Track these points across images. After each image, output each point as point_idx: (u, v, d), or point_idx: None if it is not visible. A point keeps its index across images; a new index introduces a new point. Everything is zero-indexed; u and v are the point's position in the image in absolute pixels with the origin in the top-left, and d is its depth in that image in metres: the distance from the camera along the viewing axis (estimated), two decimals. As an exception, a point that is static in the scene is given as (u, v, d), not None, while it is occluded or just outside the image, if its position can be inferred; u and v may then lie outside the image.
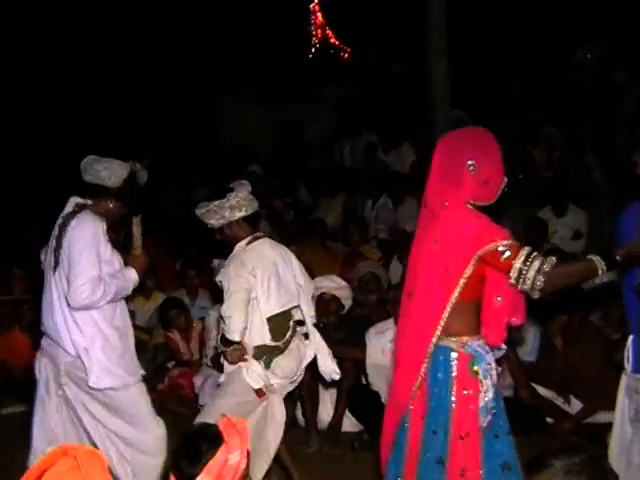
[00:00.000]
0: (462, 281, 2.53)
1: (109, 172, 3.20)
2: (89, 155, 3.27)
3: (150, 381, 5.33)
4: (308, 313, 3.68)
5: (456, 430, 2.59)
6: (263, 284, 3.41)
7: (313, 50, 12.62)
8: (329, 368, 3.75)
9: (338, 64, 12.42)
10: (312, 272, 5.59)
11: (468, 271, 2.52)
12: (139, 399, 3.24)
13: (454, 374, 2.60)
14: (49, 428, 3.22)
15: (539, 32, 9.29)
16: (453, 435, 2.59)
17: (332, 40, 12.57)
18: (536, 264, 2.44)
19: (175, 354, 5.50)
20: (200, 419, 3.40)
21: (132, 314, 5.94)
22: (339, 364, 4.60)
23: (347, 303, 4.82)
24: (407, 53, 9.56)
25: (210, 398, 3.69)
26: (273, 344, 3.49)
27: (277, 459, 3.78)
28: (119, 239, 3.32)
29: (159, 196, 8.52)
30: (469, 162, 2.57)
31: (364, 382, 4.67)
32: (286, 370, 3.54)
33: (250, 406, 3.50)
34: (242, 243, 3.48)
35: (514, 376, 4.44)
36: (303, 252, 6.11)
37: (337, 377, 3.81)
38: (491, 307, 2.64)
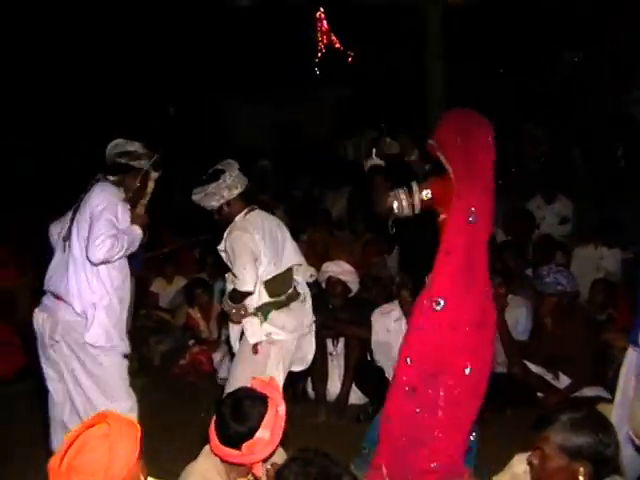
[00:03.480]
0: None
1: (139, 153, 3.25)
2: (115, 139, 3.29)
3: (174, 358, 5.42)
4: (302, 278, 3.68)
5: None
6: (263, 247, 3.40)
7: (319, 55, 12.57)
8: None
9: (341, 67, 12.37)
10: (321, 258, 5.63)
11: None
12: (120, 370, 3.21)
13: None
14: (49, 376, 3.22)
15: (523, 35, 9.24)
16: None
17: (337, 45, 12.52)
18: None
19: (195, 331, 5.49)
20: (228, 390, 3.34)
21: (156, 296, 6.02)
22: (346, 342, 4.69)
23: (353, 287, 4.77)
24: (405, 56, 9.51)
25: (225, 371, 3.63)
26: (272, 300, 3.45)
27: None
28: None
29: (175, 189, 8.47)
30: None
31: (369, 359, 4.66)
32: (285, 321, 3.45)
33: (262, 374, 3.40)
34: (241, 214, 3.47)
35: (507, 354, 4.43)
36: (312, 240, 6.13)
37: None
38: None
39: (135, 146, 3.27)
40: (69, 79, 10.78)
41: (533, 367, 4.39)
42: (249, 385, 2.41)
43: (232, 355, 3.78)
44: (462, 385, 2.90)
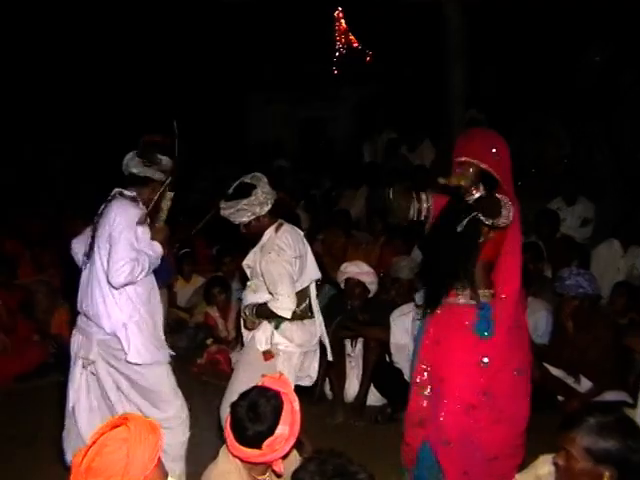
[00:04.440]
0: None
1: (157, 166, 3.20)
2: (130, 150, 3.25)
3: (191, 356, 5.43)
4: (314, 293, 3.67)
5: None
6: (295, 266, 3.40)
7: (337, 54, 12.52)
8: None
9: (360, 66, 12.32)
10: (338, 258, 5.61)
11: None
12: (165, 378, 3.21)
13: None
14: (69, 395, 3.22)
15: (545, 32, 9.13)
16: None
17: (355, 45, 12.46)
18: None
19: (213, 331, 5.50)
20: (226, 399, 3.37)
21: (174, 295, 6.03)
22: (365, 343, 4.68)
23: (372, 288, 4.73)
24: (425, 55, 9.45)
25: (232, 374, 3.61)
26: None
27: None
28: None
29: (191, 187, 8.52)
30: None
31: (388, 360, 4.64)
32: (294, 334, 3.45)
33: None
34: (270, 230, 3.44)
35: (527, 357, 4.37)
36: (329, 240, 6.11)
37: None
38: None
39: (155, 158, 3.20)
40: (94, 81, 10.90)
41: (553, 370, 4.35)
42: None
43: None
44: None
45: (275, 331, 3.41)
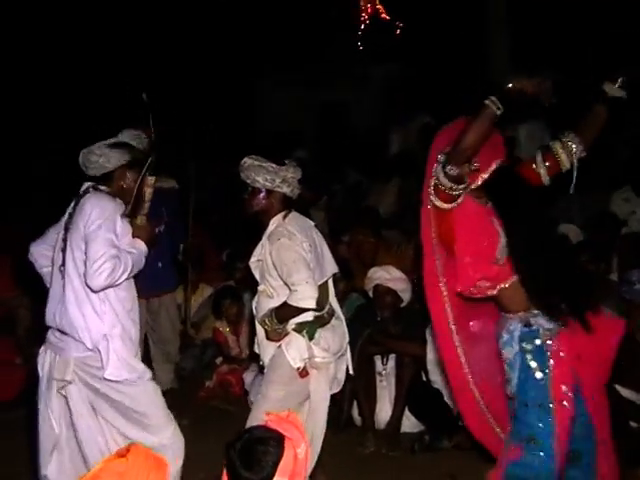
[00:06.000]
0: None
1: (106, 158, 3.18)
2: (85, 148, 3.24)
3: (198, 379, 5.42)
4: (333, 290, 3.70)
5: None
6: (309, 254, 3.41)
7: (363, 26, 12.41)
8: None
9: (387, 42, 12.24)
10: (366, 263, 5.54)
11: None
12: (154, 397, 3.19)
13: None
14: (50, 427, 3.17)
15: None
16: None
17: (383, 15, 12.35)
18: None
19: (222, 349, 5.49)
20: (253, 416, 3.37)
21: (178, 307, 6.00)
22: (398, 360, 4.66)
23: (405, 296, 4.70)
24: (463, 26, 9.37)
25: (257, 393, 3.65)
26: (316, 314, 3.46)
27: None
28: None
29: (200, 185, 8.50)
30: None
31: (425, 379, 4.60)
32: (329, 342, 3.48)
33: (299, 396, 3.48)
34: (278, 217, 3.48)
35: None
36: (356, 241, 6.04)
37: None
38: None
39: (100, 150, 3.19)
40: (95, 74, 11.08)
41: (624, 392, 4.22)
42: (277, 411, 2.35)
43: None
44: None
45: (310, 343, 3.42)
